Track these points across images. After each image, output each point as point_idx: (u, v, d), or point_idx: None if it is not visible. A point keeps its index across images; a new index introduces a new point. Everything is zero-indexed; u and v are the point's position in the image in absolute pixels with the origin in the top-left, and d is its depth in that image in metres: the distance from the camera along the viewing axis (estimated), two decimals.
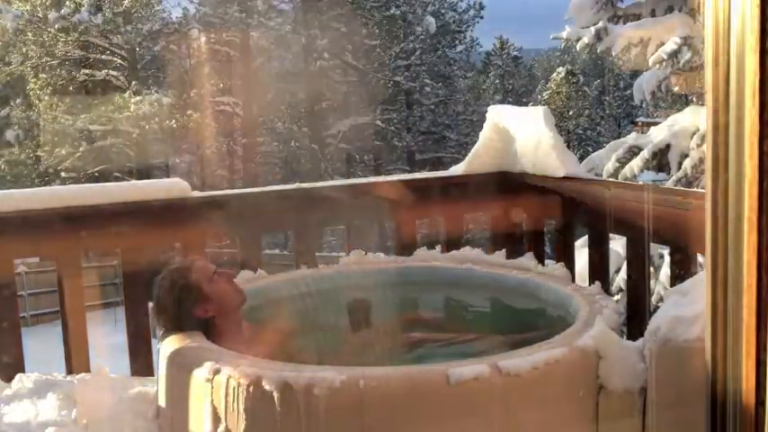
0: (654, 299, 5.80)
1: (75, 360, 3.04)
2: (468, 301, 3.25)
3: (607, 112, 36.25)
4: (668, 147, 7.04)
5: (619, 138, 13.41)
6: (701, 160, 6.72)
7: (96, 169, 24.94)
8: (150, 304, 2.69)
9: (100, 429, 2.48)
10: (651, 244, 3.00)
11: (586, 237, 3.78)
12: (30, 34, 23.48)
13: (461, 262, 3.31)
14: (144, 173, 24.52)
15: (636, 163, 7.19)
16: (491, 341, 2.67)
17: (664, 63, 6.96)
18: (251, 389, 2.00)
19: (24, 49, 23.62)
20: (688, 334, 1.94)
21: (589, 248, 3.21)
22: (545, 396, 2.07)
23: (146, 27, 24.95)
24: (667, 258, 4.95)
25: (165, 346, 2.36)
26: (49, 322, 15.21)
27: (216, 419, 2.08)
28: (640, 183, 6.51)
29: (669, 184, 6.97)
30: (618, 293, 5.94)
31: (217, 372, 2.07)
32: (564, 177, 3.25)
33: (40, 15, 22.92)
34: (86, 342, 3.08)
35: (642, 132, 10.68)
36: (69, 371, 3.00)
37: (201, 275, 2.49)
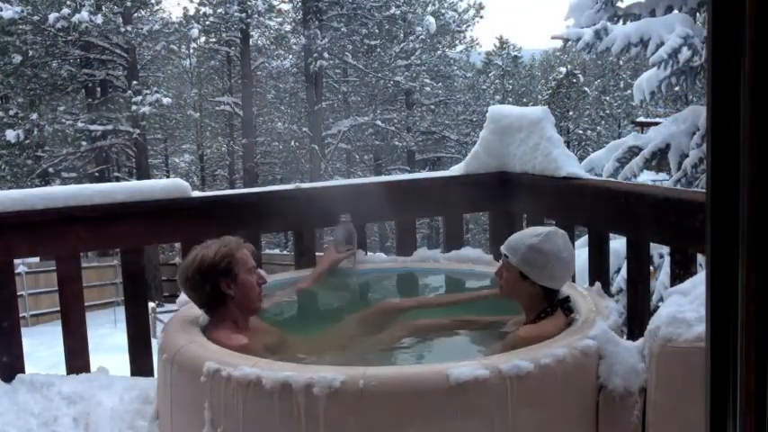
0: (654, 299, 5.80)
1: (75, 360, 3.04)
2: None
3: (607, 112, 36.24)
4: (668, 147, 7.04)
5: (619, 138, 13.41)
6: (701, 160, 6.72)
7: (96, 169, 24.97)
8: (151, 305, 2.70)
9: (100, 429, 2.48)
10: (651, 244, 3.00)
11: (586, 237, 3.78)
12: (30, 34, 23.48)
13: (461, 262, 3.31)
14: (144, 173, 24.53)
15: (636, 163, 7.18)
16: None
17: (664, 63, 6.96)
18: (251, 389, 2.00)
19: (24, 49, 23.62)
20: (688, 334, 1.94)
21: (589, 248, 3.21)
22: (545, 396, 2.07)
23: (146, 27, 24.95)
24: (667, 258, 4.95)
25: (165, 347, 2.36)
26: (49, 322, 15.22)
27: (216, 419, 2.08)
28: (640, 183, 6.52)
29: (669, 184, 6.97)
30: (618, 293, 5.94)
31: (217, 372, 2.07)
32: (564, 177, 3.25)
33: (41, 15, 22.91)
34: (86, 342, 3.08)
35: (642, 132, 10.67)
36: (69, 371, 3.00)
37: (245, 259, 2.50)
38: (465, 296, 3.11)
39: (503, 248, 2.50)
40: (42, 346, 6.93)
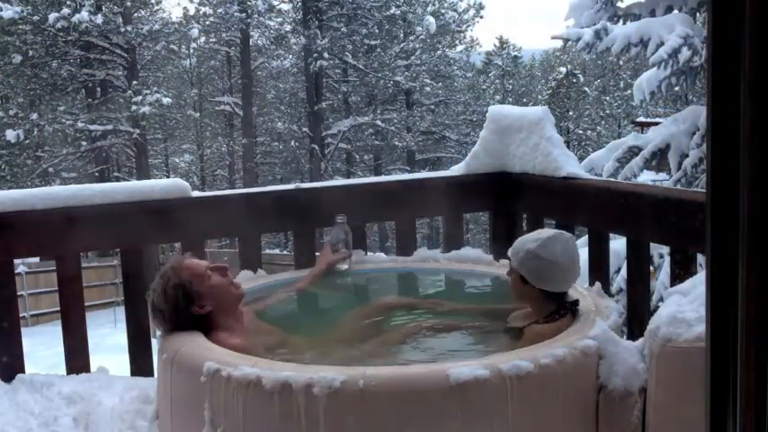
0: (654, 299, 5.80)
1: (76, 360, 3.04)
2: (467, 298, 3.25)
3: (607, 112, 36.22)
4: (668, 147, 7.04)
5: (619, 138, 13.40)
6: (701, 160, 6.72)
7: (96, 169, 24.97)
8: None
9: (100, 429, 2.48)
10: (651, 244, 3.00)
11: (586, 237, 3.77)
12: (30, 34, 23.49)
13: (461, 262, 3.31)
14: (144, 173, 24.53)
15: (636, 163, 7.18)
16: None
17: (664, 63, 6.96)
18: (251, 389, 2.00)
19: (24, 49, 23.62)
20: (688, 334, 1.94)
21: (589, 248, 3.21)
22: (545, 396, 2.07)
23: (146, 27, 24.95)
24: (667, 258, 4.95)
25: (165, 347, 2.36)
26: (49, 322, 15.22)
27: (216, 419, 2.08)
28: (640, 183, 6.51)
29: (669, 184, 6.96)
30: (618, 293, 5.94)
31: (217, 372, 2.07)
32: (564, 177, 3.25)
33: (41, 15, 22.91)
34: (86, 342, 3.08)
35: (642, 132, 10.67)
36: (69, 371, 3.00)
37: (194, 272, 2.46)
38: (462, 307, 3.04)
39: (509, 251, 2.53)
40: (42, 346, 6.93)
